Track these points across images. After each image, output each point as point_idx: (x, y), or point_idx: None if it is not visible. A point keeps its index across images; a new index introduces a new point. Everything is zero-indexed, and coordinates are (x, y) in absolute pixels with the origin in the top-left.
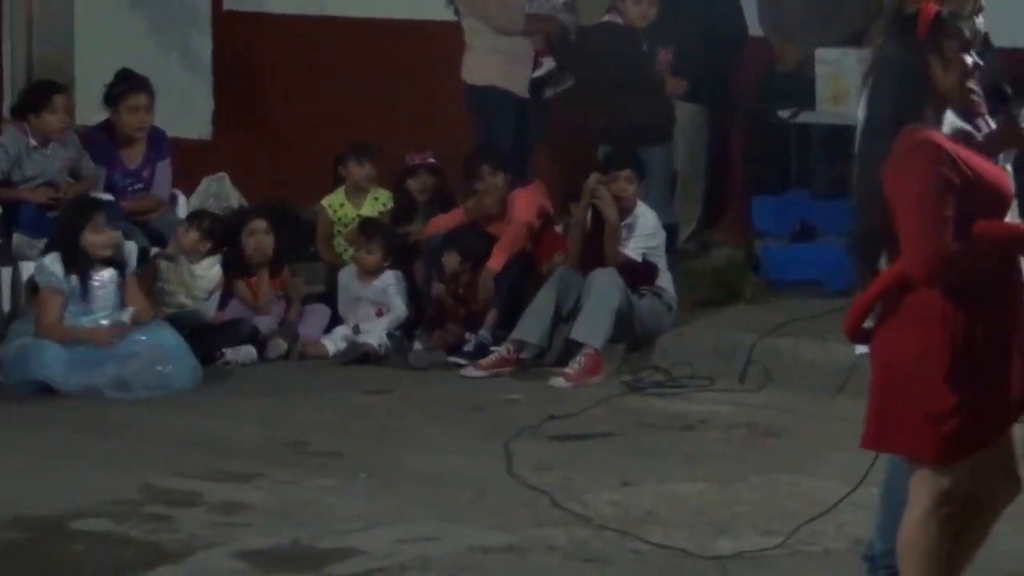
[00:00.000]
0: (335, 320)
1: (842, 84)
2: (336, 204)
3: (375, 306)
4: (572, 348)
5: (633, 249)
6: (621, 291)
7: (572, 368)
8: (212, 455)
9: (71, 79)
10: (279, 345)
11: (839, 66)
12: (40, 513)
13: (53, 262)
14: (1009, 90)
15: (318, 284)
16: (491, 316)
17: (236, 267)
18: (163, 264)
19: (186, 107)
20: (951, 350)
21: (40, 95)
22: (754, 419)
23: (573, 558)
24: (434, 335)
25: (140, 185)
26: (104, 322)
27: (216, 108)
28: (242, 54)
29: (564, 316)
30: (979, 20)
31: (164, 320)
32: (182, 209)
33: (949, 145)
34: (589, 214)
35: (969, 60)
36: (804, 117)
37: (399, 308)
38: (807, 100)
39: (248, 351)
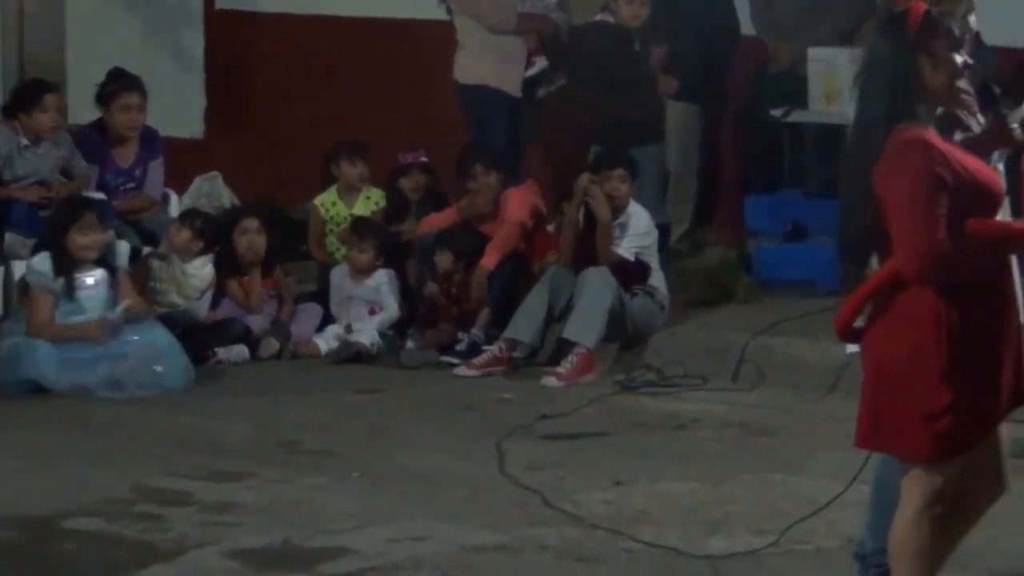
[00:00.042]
0: (327, 319)
1: (835, 83)
2: (328, 203)
3: (367, 305)
4: (564, 347)
5: (626, 248)
6: (613, 290)
7: (564, 367)
8: (204, 454)
9: (63, 78)
10: (271, 344)
11: (831, 65)
12: (32, 512)
13: (42, 262)
14: (997, 89)
15: (310, 283)
16: (483, 315)
17: (228, 266)
18: (155, 263)
19: (178, 106)
20: (944, 348)
21: (31, 94)
22: (746, 418)
23: (565, 557)
24: (426, 334)
25: (132, 184)
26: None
27: (208, 107)
28: (235, 53)
29: (556, 315)
30: (971, 19)
31: (156, 319)
32: (174, 208)
33: (941, 144)
34: (582, 213)
35: (959, 59)
36: (797, 116)
37: (391, 307)
38: (800, 99)
39: (240, 350)
